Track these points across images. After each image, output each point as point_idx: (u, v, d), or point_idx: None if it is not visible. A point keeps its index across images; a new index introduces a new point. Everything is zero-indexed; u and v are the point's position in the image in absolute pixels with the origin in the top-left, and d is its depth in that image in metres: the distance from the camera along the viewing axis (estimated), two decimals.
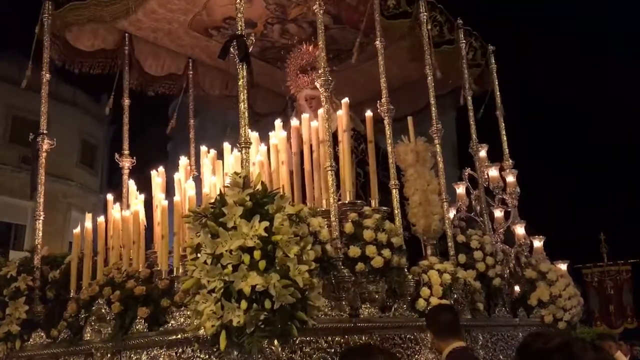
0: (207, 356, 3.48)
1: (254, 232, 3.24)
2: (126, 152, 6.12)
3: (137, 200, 4.90)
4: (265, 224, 3.26)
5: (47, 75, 5.33)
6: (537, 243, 7.06)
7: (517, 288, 6.43)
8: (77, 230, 5.13)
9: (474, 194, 6.60)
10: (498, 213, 6.97)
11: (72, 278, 4.88)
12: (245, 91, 3.83)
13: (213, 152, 5.21)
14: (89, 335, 4.16)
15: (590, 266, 11.88)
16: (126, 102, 6.21)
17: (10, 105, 18.11)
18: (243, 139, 3.79)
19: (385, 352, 2.90)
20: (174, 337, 3.61)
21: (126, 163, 6.05)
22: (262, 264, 3.17)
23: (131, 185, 5.44)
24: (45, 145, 5.23)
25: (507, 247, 6.68)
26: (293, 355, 3.52)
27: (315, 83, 4.89)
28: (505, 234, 6.92)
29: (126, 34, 6.21)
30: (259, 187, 3.51)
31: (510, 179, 6.79)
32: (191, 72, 6.91)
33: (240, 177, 3.58)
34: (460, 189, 6.88)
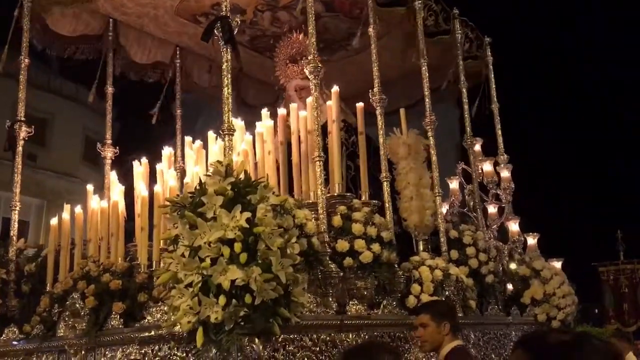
0: (184, 354, 3.29)
1: (234, 223, 3.05)
2: (109, 141, 5.92)
3: (117, 191, 4.70)
4: (247, 214, 3.07)
5: (26, 60, 5.12)
6: (531, 240, 6.91)
7: (510, 286, 6.28)
8: (54, 222, 4.92)
9: (467, 189, 6.43)
10: (492, 209, 6.81)
11: (49, 271, 4.69)
12: (229, 75, 3.64)
13: (199, 142, 5.02)
14: (62, 331, 3.96)
15: (606, 264, 11.68)
16: (109, 89, 5.99)
17: (15, 102, 17.94)
18: (226, 125, 3.60)
19: (391, 350, 2.75)
20: (149, 333, 3.41)
21: (108, 153, 5.84)
22: (242, 257, 2.99)
23: (113, 175, 5.23)
24: (23, 132, 5.01)
25: (501, 243, 6.52)
26: (275, 354, 3.34)
27: (305, 70, 4.70)
28: (500, 231, 6.78)
29: (110, 20, 5.97)
30: (242, 176, 3.33)
31: (505, 174, 6.62)
32: (178, 61, 6.69)
33: (222, 165, 3.40)
34: (454, 184, 6.72)
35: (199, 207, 3.14)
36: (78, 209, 4.85)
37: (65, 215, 4.87)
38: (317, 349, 3.62)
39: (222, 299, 2.92)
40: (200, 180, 3.31)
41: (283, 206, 3.30)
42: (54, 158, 19.01)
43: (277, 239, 3.12)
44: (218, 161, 3.51)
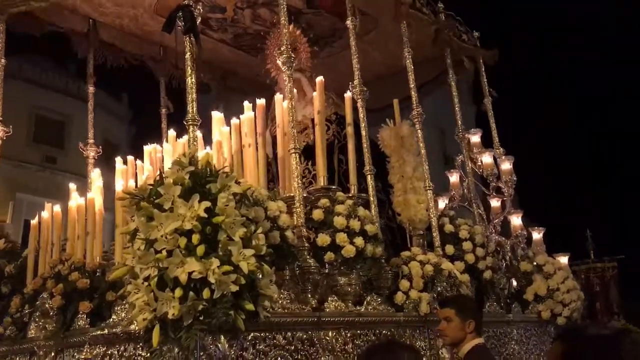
0: (148, 354, 3.13)
1: (192, 213, 2.89)
2: (91, 140, 5.84)
3: (95, 188, 4.58)
4: (206, 204, 2.91)
5: (3, 60, 5.00)
6: (536, 235, 6.66)
7: (515, 282, 6.04)
8: (34, 221, 4.82)
9: (465, 182, 6.20)
10: (494, 203, 6.57)
11: (29, 272, 4.57)
12: (193, 65, 3.49)
13: (185, 138, 4.89)
14: (33, 332, 3.83)
15: (578, 263, 11.49)
16: (90, 89, 5.91)
17: (34, 105, 18.32)
18: (190, 116, 3.45)
19: (409, 348, 2.66)
20: (101, 332, 3.27)
21: (91, 152, 5.75)
22: (200, 249, 2.82)
23: (95, 173, 5.11)
24: (0, 132, 4.91)
25: (503, 238, 6.27)
26: (244, 353, 3.15)
27: (278, 61, 4.54)
28: (503, 226, 6.53)
29: (91, 20, 5.85)
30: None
31: (506, 166, 6.36)
32: (161, 58, 6.55)
33: (186, 156, 3.25)
34: (454, 177, 6.48)
35: (156, 198, 2.99)
36: (57, 208, 4.74)
37: (45, 214, 4.76)
38: (292, 347, 3.43)
39: (178, 292, 2.76)
40: (160, 171, 3.17)
41: (247, 196, 3.13)
42: (73, 160, 19.15)
43: (239, 229, 2.96)
44: (183, 153, 3.37)
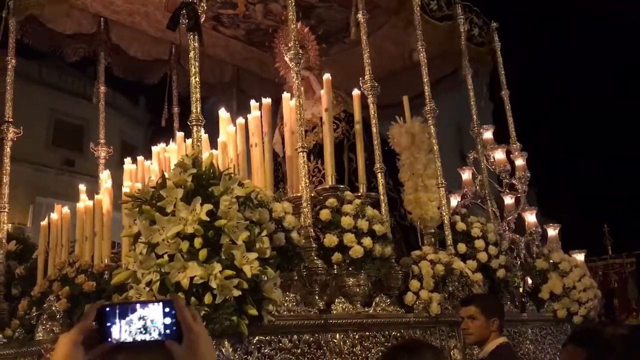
0: None
1: (194, 216, 2.85)
2: (102, 141, 5.82)
3: (103, 189, 4.57)
4: (208, 207, 2.87)
5: (13, 60, 5.01)
6: (552, 232, 6.53)
7: (529, 280, 5.93)
8: (44, 223, 4.82)
9: (478, 179, 6.09)
10: (508, 200, 6.46)
11: (39, 274, 4.58)
12: (197, 64, 3.44)
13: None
14: (41, 334, 3.83)
15: (594, 259, 11.19)
16: (102, 89, 5.89)
17: (53, 109, 18.57)
18: (194, 116, 3.41)
19: (434, 348, 2.65)
20: None
21: (102, 152, 5.74)
22: (202, 254, 2.79)
23: (105, 174, 5.11)
24: (11, 133, 4.92)
25: (517, 236, 6.17)
26: (248, 357, 3.10)
27: (286, 58, 4.48)
28: (517, 223, 6.42)
29: (102, 19, 5.84)
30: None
31: (520, 162, 6.25)
32: (174, 58, 6.52)
33: (190, 157, 3.21)
34: (466, 174, 6.39)
35: (158, 201, 2.96)
36: (66, 209, 4.74)
37: (55, 215, 4.76)
38: (299, 350, 3.38)
39: None
40: (163, 173, 3.14)
41: (249, 197, 3.08)
42: (92, 163, 19.32)
43: (242, 232, 2.92)
44: (187, 154, 3.34)
